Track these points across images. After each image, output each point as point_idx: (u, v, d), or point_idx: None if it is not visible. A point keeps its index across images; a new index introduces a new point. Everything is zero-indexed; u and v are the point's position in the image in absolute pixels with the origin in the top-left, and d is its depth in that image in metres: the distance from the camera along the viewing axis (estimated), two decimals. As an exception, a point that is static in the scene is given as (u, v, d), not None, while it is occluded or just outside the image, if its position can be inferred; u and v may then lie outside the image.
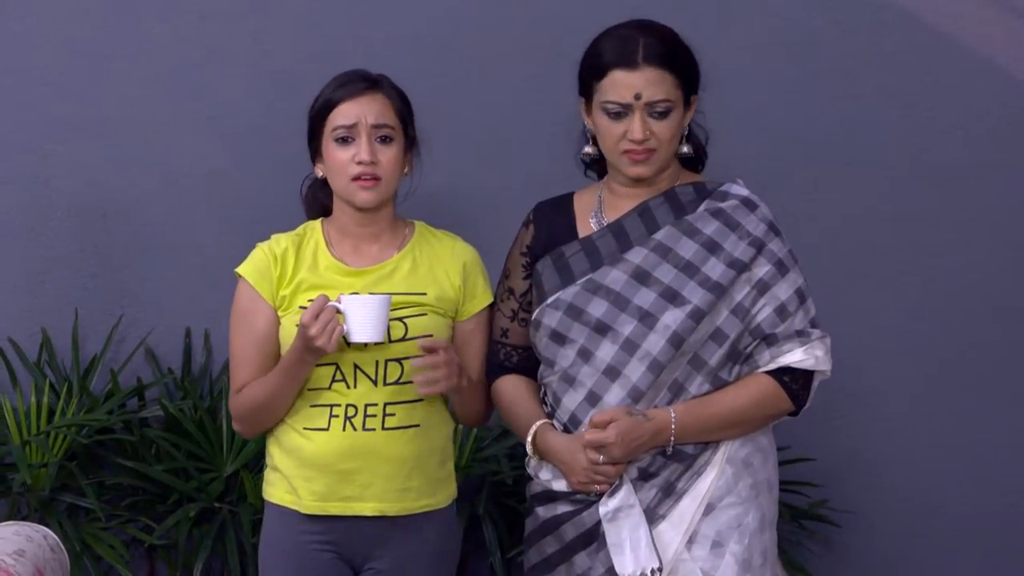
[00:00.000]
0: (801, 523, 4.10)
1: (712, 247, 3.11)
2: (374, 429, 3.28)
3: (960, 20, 4.25)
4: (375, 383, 3.28)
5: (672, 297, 3.09)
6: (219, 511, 3.93)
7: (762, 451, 3.15)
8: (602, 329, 3.11)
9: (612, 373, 3.10)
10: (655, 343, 3.07)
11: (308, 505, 3.31)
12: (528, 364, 3.28)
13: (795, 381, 3.10)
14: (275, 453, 3.36)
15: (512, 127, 4.26)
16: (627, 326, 3.10)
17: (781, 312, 3.10)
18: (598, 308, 3.12)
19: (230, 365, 3.35)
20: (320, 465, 3.29)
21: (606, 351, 3.11)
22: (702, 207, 3.16)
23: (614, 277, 3.13)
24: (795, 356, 3.08)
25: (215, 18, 4.21)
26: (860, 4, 4.25)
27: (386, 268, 3.33)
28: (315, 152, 3.34)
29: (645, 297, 3.10)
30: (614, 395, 3.10)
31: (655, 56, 3.09)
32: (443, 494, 3.40)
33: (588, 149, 3.22)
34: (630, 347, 3.09)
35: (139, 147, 4.17)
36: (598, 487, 3.07)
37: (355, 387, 3.28)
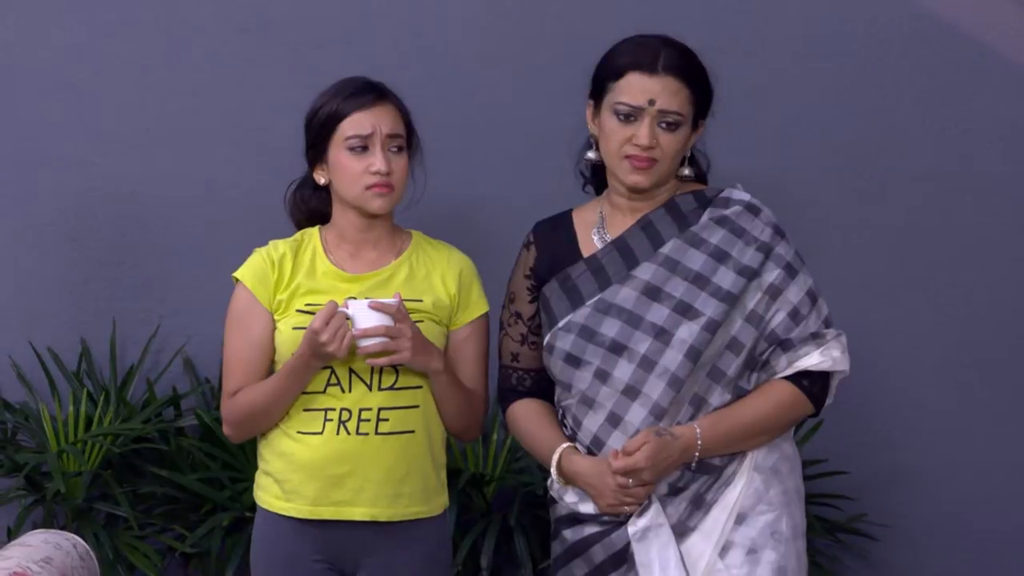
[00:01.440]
0: (838, 536, 4.09)
1: (720, 256, 3.09)
2: (368, 434, 3.29)
3: (998, 30, 4.25)
4: (370, 387, 3.29)
5: (685, 311, 3.06)
6: (251, 520, 3.90)
7: (788, 459, 3.14)
8: (617, 349, 3.09)
9: (631, 392, 3.08)
10: (673, 359, 3.05)
11: (300, 509, 3.31)
12: (541, 386, 3.26)
13: (813, 384, 3.09)
14: (268, 457, 3.37)
15: (530, 139, 4.26)
16: (643, 344, 3.07)
17: (795, 316, 3.09)
18: (611, 328, 3.10)
19: (224, 369, 3.37)
20: (313, 469, 3.30)
21: (623, 371, 3.08)
22: (705, 216, 3.13)
23: (624, 295, 3.10)
24: (812, 359, 3.07)
25: (255, 31, 4.25)
26: (898, 14, 4.25)
27: (383, 274, 3.35)
28: (315, 158, 3.36)
29: (658, 313, 3.08)
30: (635, 414, 3.07)
31: (675, 67, 3.08)
32: (436, 502, 3.40)
33: (591, 155, 3.19)
34: (647, 365, 3.07)
35: (179, 159, 4.21)
36: (627, 508, 3.05)
37: (350, 391, 3.29)
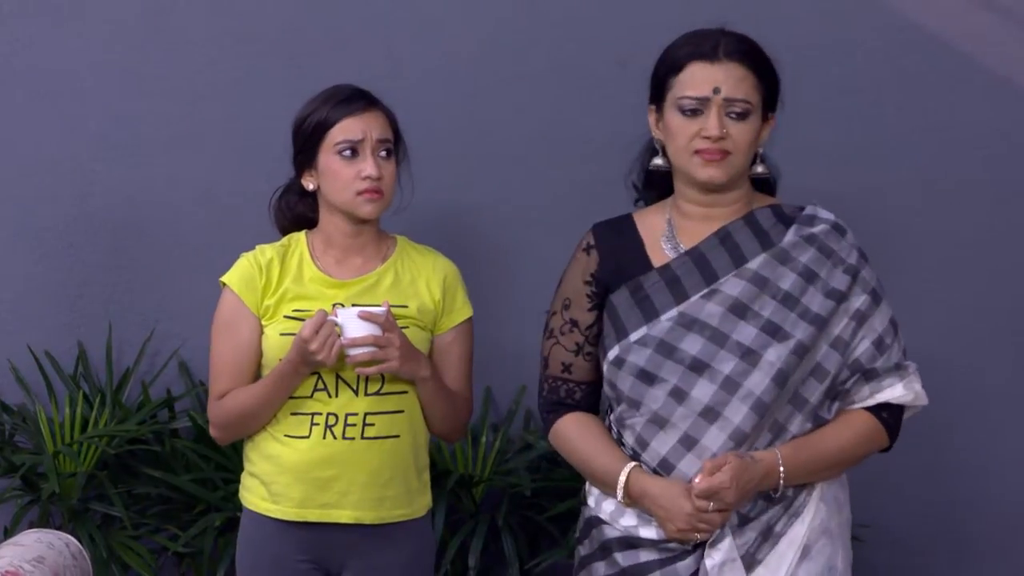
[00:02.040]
0: None
1: (810, 276, 2.94)
2: (353, 438, 3.31)
3: (977, 40, 4.22)
4: (356, 393, 3.32)
5: (774, 331, 2.90)
6: (242, 520, 4.01)
7: (844, 487, 3.04)
8: (699, 367, 2.91)
9: (710, 414, 2.90)
10: (759, 382, 2.88)
11: (286, 511, 3.33)
12: (592, 400, 3.11)
13: (892, 416, 2.98)
14: (254, 459, 3.39)
15: (539, 146, 4.27)
16: (727, 364, 2.89)
17: (879, 345, 2.96)
18: (693, 345, 2.91)
19: (211, 372, 3.39)
20: (299, 472, 3.32)
21: (703, 391, 2.90)
22: (792, 233, 2.98)
23: (710, 311, 2.92)
24: (896, 391, 2.96)
25: (251, 40, 4.27)
26: (881, 24, 4.23)
27: (369, 280, 3.37)
28: (304, 165, 3.39)
29: (746, 332, 2.90)
30: (713, 438, 2.90)
31: (737, 52, 2.95)
32: (419, 504, 3.43)
33: (658, 160, 3.03)
34: (731, 386, 2.89)
35: (175, 166, 4.23)
36: (698, 536, 2.90)
37: (336, 396, 3.31)
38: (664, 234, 3.03)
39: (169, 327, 4.21)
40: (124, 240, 4.23)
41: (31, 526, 3.84)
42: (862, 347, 2.94)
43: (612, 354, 2.98)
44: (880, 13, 4.24)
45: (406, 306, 3.35)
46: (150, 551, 3.99)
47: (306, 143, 3.37)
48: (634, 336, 2.95)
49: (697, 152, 2.93)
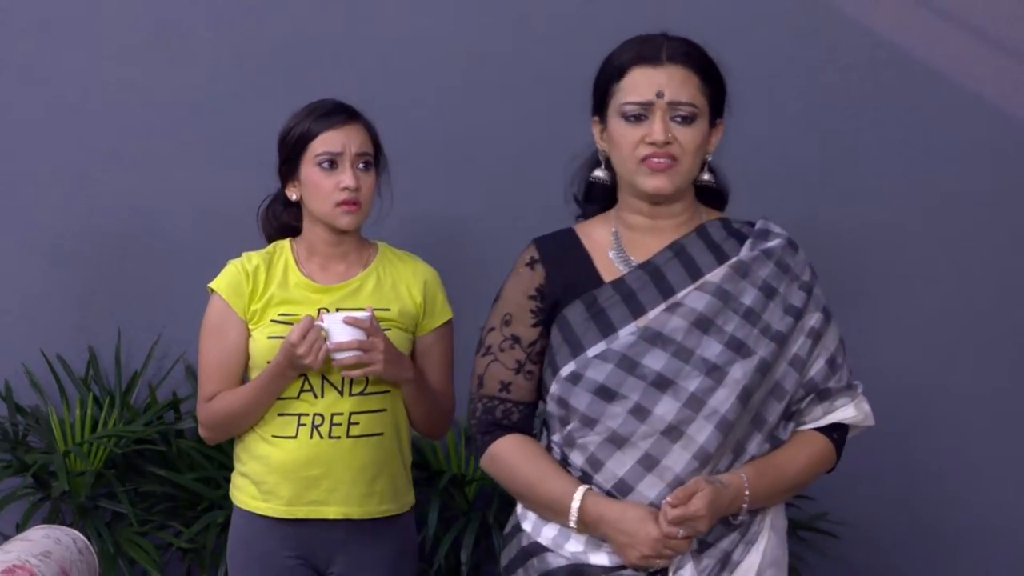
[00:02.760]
0: (799, 535, 4.11)
1: (769, 292, 2.78)
2: (339, 437, 3.34)
3: (949, 58, 4.27)
4: (341, 393, 3.35)
5: (739, 347, 2.73)
6: (245, 518, 4.00)
7: (783, 515, 2.89)
8: (662, 384, 2.71)
9: (673, 433, 2.70)
10: (724, 399, 2.70)
11: (276, 509, 3.36)
12: (528, 421, 2.89)
13: (840, 437, 2.85)
14: (244, 459, 3.42)
15: (528, 158, 4.30)
16: (692, 380, 2.71)
17: (832, 364, 2.81)
18: (657, 360, 2.72)
19: (199, 375, 3.41)
20: (288, 471, 3.35)
21: (666, 408, 2.70)
22: (750, 247, 2.81)
23: (674, 325, 2.73)
24: (848, 412, 2.82)
25: (251, 57, 4.32)
26: (858, 43, 4.29)
27: (352, 285, 3.40)
28: (287, 176, 3.41)
29: (711, 348, 2.72)
30: (675, 458, 2.70)
31: (681, 55, 2.77)
32: (404, 499, 3.46)
33: (599, 173, 2.86)
34: (695, 404, 2.70)
35: (179, 179, 4.27)
36: (660, 562, 2.70)
37: (322, 397, 3.34)
38: (612, 247, 2.85)
39: (175, 332, 4.25)
40: (132, 249, 4.28)
41: (42, 523, 3.80)
42: (817, 366, 2.80)
43: (567, 370, 2.77)
44: (856, 33, 4.29)
45: (388, 309, 3.37)
46: (156, 547, 4.03)
47: (289, 155, 3.40)
48: (592, 351, 2.75)
49: (643, 161, 2.75)
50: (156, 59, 4.35)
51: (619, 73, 2.79)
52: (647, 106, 2.75)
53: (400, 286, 3.44)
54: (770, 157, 4.25)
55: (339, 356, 3.25)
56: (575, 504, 2.72)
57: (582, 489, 2.72)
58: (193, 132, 4.29)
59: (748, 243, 2.81)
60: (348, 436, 3.35)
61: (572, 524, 2.73)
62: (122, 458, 4.15)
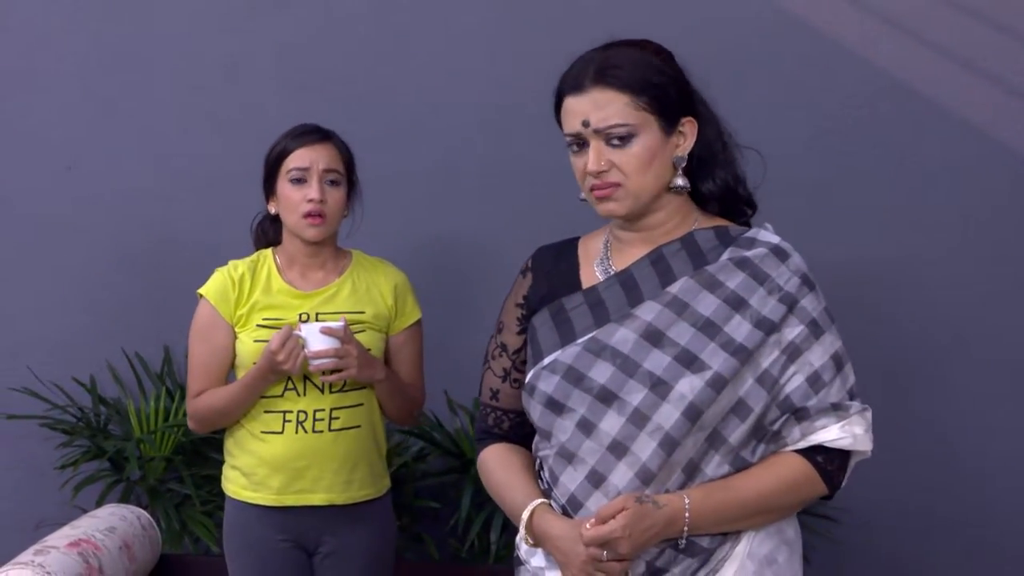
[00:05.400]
0: (801, 519, 4.17)
1: (736, 303, 2.55)
2: (322, 431, 3.43)
3: (942, 86, 4.34)
4: (322, 391, 3.44)
5: (689, 362, 2.51)
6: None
7: (788, 545, 2.62)
8: (607, 398, 2.54)
9: (618, 450, 2.52)
10: (668, 415, 2.49)
11: (266, 498, 3.45)
12: (523, 431, 2.76)
13: (830, 462, 2.56)
14: (235, 453, 3.51)
15: (520, 175, 4.42)
16: (636, 395, 2.52)
17: (815, 381, 2.55)
18: (602, 373, 2.55)
19: (189, 373, 3.48)
20: (277, 464, 3.43)
21: (611, 424, 2.53)
22: (725, 256, 2.60)
23: (622, 336, 2.56)
24: (830, 433, 2.53)
25: (244, 74, 4.50)
26: (858, 74, 4.36)
27: (330, 291, 3.49)
28: (269, 192, 3.50)
29: (657, 361, 2.52)
30: (620, 475, 2.52)
31: (601, 75, 2.56)
32: (381, 484, 3.56)
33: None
34: (639, 419, 2.51)
35: (243, 198, 4.05)
36: None
37: (305, 395, 3.43)
38: (599, 256, 2.72)
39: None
40: (202, 260, 4.23)
41: (117, 503, 4.03)
42: (793, 384, 2.55)
43: (527, 380, 2.67)
44: (855, 63, 4.36)
45: (363, 312, 3.46)
46: (216, 525, 4.16)
47: (269, 172, 3.48)
48: (545, 361, 2.63)
49: (592, 190, 2.61)
50: (226, 90, 4.53)
51: (557, 104, 2.65)
52: (577, 137, 2.60)
53: (373, 290, 3.51)
54: (778, 176, 4.23)
55: (316, 363, 3.34)
56: (524, 516, 2.62)
57: (534, 503, 2.61)
58: (257, 157, 4.24)
59: (727, 251, 2.60)
60: (330, 430, 3.43)
61: (522, 537, 2.64)
62: (189, 445, 4.34)
